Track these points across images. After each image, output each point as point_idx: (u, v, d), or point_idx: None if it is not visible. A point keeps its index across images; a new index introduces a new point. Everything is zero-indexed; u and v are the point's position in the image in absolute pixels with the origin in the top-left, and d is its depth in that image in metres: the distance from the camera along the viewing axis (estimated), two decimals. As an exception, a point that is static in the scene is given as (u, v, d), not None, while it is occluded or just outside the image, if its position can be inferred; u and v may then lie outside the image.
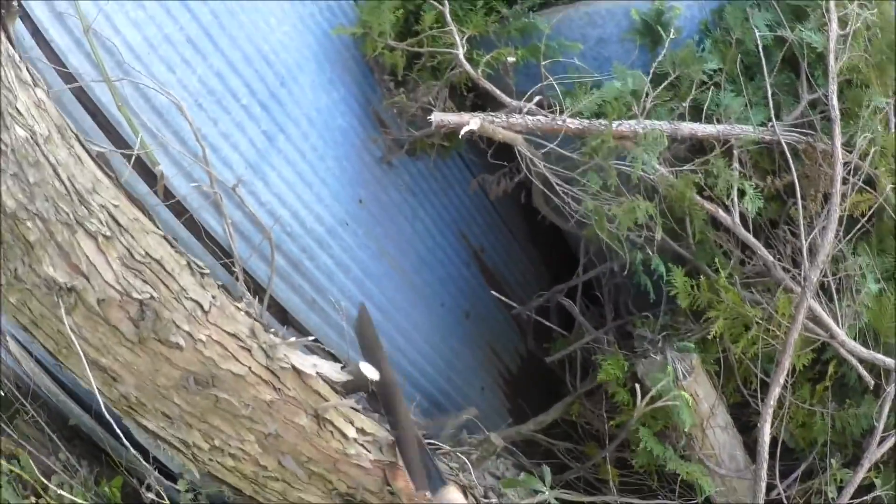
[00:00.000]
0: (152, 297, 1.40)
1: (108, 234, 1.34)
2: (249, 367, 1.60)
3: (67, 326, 1.32)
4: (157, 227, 1.52)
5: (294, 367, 1.69)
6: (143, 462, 3.35)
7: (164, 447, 1.72)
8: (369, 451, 1.84)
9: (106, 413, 1.58)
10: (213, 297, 1.55)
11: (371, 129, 2.74)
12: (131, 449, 2.81)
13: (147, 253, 1.41)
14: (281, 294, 2.32)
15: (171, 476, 3.03)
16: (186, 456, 1.68)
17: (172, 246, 1.51)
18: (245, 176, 2.25)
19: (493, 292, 2.90)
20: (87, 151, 1.38)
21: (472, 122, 2.26)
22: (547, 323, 2.92)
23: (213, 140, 2.22)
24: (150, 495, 2.94)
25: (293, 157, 2.46)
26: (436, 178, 3.06)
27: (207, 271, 1.60)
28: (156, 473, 3.03)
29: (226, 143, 2.28)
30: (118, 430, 2.87)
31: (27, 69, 1.32)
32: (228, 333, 1.56)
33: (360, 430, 1.83)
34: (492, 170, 2.72)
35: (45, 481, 3.63)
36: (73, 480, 3.45)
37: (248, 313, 1.65)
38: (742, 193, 2.38)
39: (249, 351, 1.60)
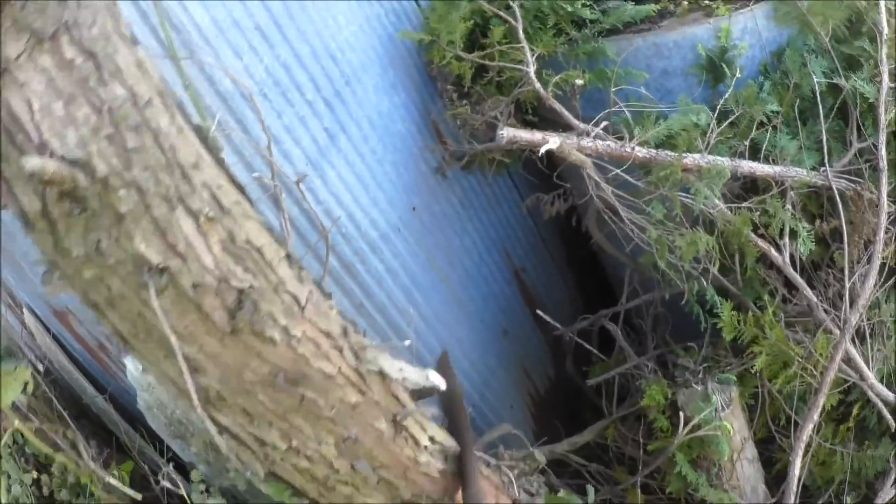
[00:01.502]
0: (252, 287, 1.26)
1: (212, 214, 1.19)
2: (339, 368, 1.47)
3: (158, 310, 1.16)
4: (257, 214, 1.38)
5: (381, 371, 1.56)
6: (153, 451, 3.26)
7: (230, 443, 1.56)
8: (437, 461, 1.75)
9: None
10: (310, 291, 1.42)
11: (428, 138, 2.65)
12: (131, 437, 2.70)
13: (248, 239, 1.27)
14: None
15: (180, 467, 2.93)
16: (256, 454, 1.55)
17: (272, 235, 1.36)
18: (306, 171, 2.14)
19: (539, 312, 2.80)
20: (190, 123, 1.22)
21: (552, 141, 2.18)
22: (587, 346, 2.82)
23: (276, 132, 2.12)
24: (165, 483, 2.82)
25: (353, 159, 2.36)
26: (486, 194, 2.98)
27: (304, 266, 1.46)
28: (168, 466, 2.93)
29: (288, 137, 2.19)
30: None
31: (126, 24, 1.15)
32: (322, 331, 1.43)
33: (432, 439, 1.73)
34: (542, 191, 2.65)
35: (50, 454, 3.51)
36: (80, 460, 3.33)
37: (339, 312, 1.52)
38: (794, 234, 2.33)
39: (340, 351, 1.48)
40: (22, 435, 3.45)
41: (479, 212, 2.95)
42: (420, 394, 1.73)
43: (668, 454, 2.38)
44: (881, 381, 2.47)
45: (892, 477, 2.58)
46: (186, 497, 2.80)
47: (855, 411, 2.60)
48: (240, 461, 1.62)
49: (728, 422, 2.35)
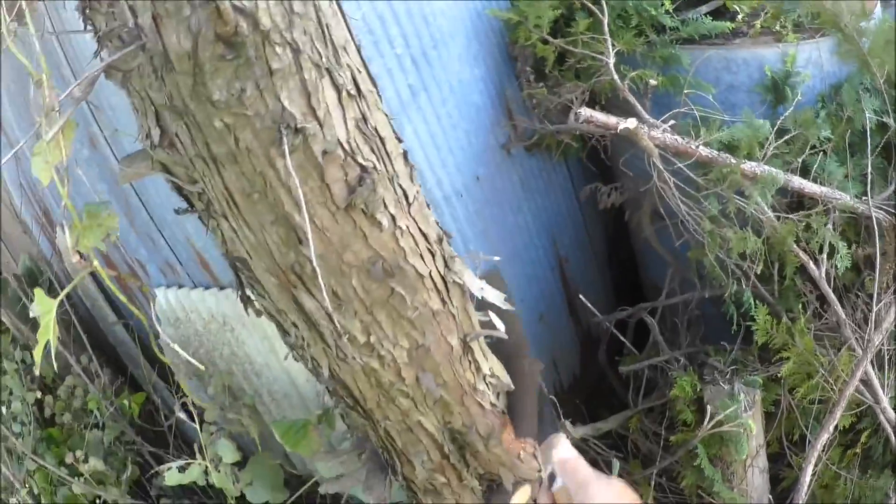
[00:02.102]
0: (374, 168, 1.28)
1: (352, 92, 1.21)
2: (430, 271, 1.48)
3: (289, 166, 1.16)
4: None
5: (464, 285, 1.58)
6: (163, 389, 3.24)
7: (304, 334, 1.55)
8: (492, 393, 1.74)
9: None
10: (417, 191, 1.45)
11: (500, 113, 2.71)
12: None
13: (376, 126, 1.29)
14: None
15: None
16: (329, 348, 1.54)
17: (394, 130, 1.39)
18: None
19: (581, 297, 2.83)
20: (342, 11, 1.25)
21: (630, 121, 2.25)
22: (622, 338, 2.86)
23: (364, 79, 2.16)
24: (180, 414, 2.80)
25: (430, 118, 2.42)
26: (543, 179, 3.03)
27: (415, 166, 1.49)
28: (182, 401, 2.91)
29: (375, 85, 2.23)
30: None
31: None
32: (422, 231, 1.45)
33: (491, 370, 1.74)
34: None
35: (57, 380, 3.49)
36: (90, 385, 3.31)
37: (436, 222, 1.55)
38: (832, 252, 2.38)
39: (433, 255, 1.50)
40: (31, 354, 3.44)
41: (535, 194, 3.00)
42: (484, 325, 1.74)
43: (690, 446, 2.40)
44: (895, 409, 2.50)
45: None
46: (199, 435, 2.77)
47: (863, 439, 2.62)
48: (307, 356, 1.63)
49: (753, 425, 2.38)
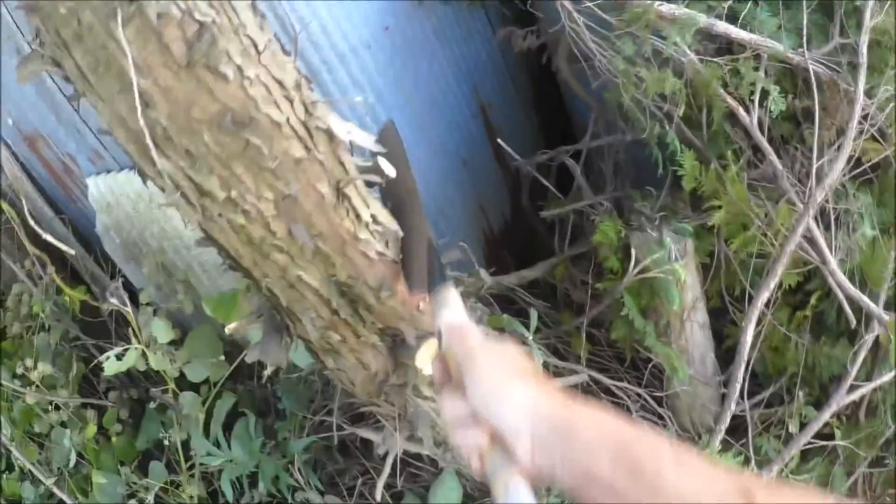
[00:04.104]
0: (213, 22, 1.29)
1: None
2: (287, 118, 1.49)
3: (122, 38, 1.21)
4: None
5: (329, 130, 1.59)
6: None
7: (174, 193, 1.59)
8: (378, 243, 1.76)
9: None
10: (269, 40, 1.46)
11: (409, -40, 2.69)
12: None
13: None
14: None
15: (132, 296, 2.97)
16: (194, 208, 1.57)
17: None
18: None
19: (499, 141, 2.85)
20: None
21: (527, -43, 2.22)
22: (545, 182, 2.87)
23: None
24: (113, 301, 2.87)
25: (331, -31, 2.40)
26: (460, 27, 3.03)
27: (266, 15, 1.50)
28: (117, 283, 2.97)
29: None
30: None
31: None
32: (275, 79, 1.45)
33: (374, 217, 1.75)
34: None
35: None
36: (34, 289, 3.38)
37: (295, 67, 1.56)
38: (766, 95, 2.36)
39: (291, 102, 1.50)
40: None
41: (452, 43, 3.00)
42: (365, 171, 1.76)
43: (615, 294, 2.43)
44: (847, 275, 2.53)
45: (848, 382, 2.61)
46: (132, 318, 2.84)
47: (813, 301, 2.64)
48: (183, 214, 1.67)
49: (682, 273, 2.41)
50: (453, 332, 1.25)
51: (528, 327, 2.33)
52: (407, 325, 1.91)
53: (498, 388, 1.07)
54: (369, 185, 1.77)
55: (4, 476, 3.50)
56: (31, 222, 2.70)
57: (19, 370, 3.26)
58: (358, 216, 1.71)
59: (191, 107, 1.37)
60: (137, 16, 1.21)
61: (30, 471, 3.33)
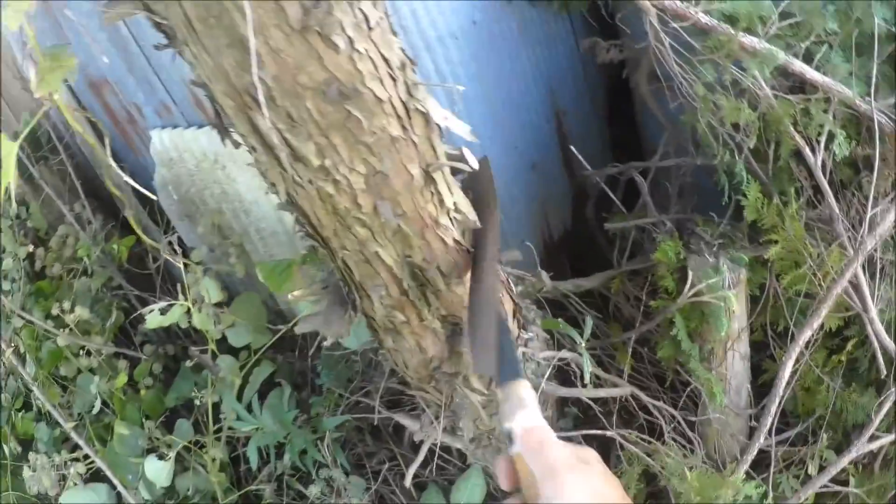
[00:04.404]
0: None
1: None
2: (390, 96, 1.54)
3: None
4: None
5: (427, 113, 1.64)
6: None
7: (261, 157, 1.64)
8: (455, 230, 1.81)
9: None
10: (381, 17, 1.50)
11: (502, -41, 2.77)
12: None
13: None
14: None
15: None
16: (284, 171, 1.61)
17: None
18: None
19: (571, 148, 2.90)
20: None
21: (624, -28, 2.28)
22: (611, 195, 2.93)
23: None
24: (166, 255, 2.91)
25: (426, -45, 2.47)
26: (544, 31, 3.10)
27: (383, -6, 1.54)
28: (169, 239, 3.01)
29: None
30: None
31: None
32: (383, 56, 1.50)
33: (455, 205, 1.80)
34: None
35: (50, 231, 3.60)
36: (82, 232, 3.41)
37: (401, 48, 1.61)
38: (832, 138, 2.41)
39: (395, 81, 1.54)
40: (27, 209, 3.55)
41: (535, 44, 3.07)
42: (453, 158, 1.81)
43: (668, 313, 2.48)
44: (883, 325, 2.56)
45: (870, 431, 2.63)
46: (183, 273, 2.88)
47: (849, 347, 2.69)
48: (266, 178, 1.72)
49: (734, 301, 2.45)
50: (531, 438, 1.20)
51: (581, 335, 2.37)
52: (469, 316, 1.95)
53: None
54: (454, 173, 1.81)
55: (21, 415, 3.53)
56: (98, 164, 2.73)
57: (55, 311, 3.29)
58: (441, 202, 1.76)
59: (299, 71, 1.41)
60: (257, -30, 1.23)
61: (47, 412, 3.36)
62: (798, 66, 2.42)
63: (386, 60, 1.53)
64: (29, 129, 2.14)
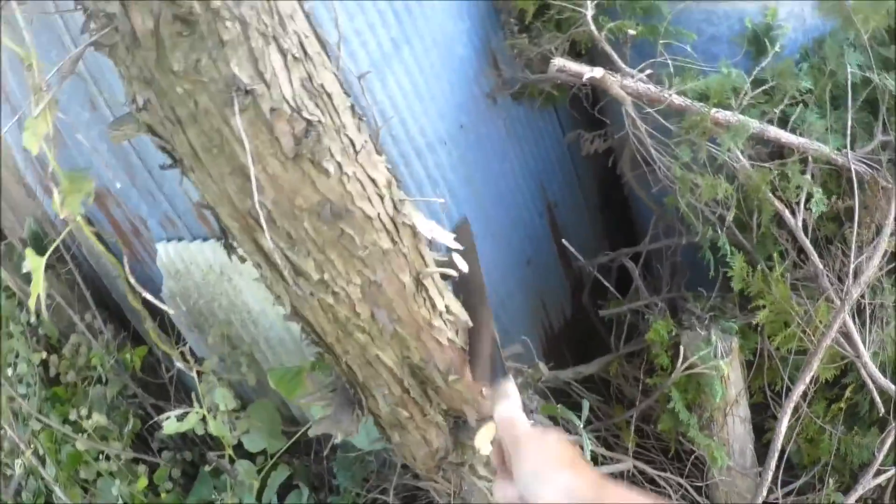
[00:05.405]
0: (319, 122, 1.48)
1: (298, 55, 1.41)
2: (378, 213, 1.69)
3: (238, 125, 1.38)
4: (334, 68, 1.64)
5: (413, 226, 1.79)
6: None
7: (267, 273, 1.79)
8: (449, 330, 1.95)
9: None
10: (366, 141, 1.65)
11: (485, 64, 2.91)
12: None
13: (323, 84, 1.48)
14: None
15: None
16: (288, 286, 1.75)
17: (342, 87, 1.62)
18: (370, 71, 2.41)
19: (564, 242, 3.05)
20: None
21: (596, 70, 2.45)
22: (605, 282, 3.06)
23: (347, 33, 2.40)
24: (179, 364, 3.03)
25: (412, 69, 2.61)
26: (530, 127, 3.22)
27: (364, 118, 1.71)
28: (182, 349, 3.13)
29: (356, 39, 2.46)
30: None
31: None
32: (370, 177, 1.65)
33: (447, 307, 1.94)
34: (585, 131, 2.91)
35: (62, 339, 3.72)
36: (94, 341, 3.52)
37: (386, 167, 1.77)
38: (809, 198, 2.54)
39: (382, 199, 1.69)
40: (38, 315, 3.67)
41: (522, 141, 3.19)
42: (441, 265, 1.96)
43: (664, 388, 2.61)
44: (879, 368, 2.66)
45: (875, 467, 2.74)
46: (197, 383, 2.99)
47: (848, 393, 2.79)
48: (273, 295, 1.88)
49: (726, 369, 2.58)
50: (504, 421, 1.44)
51: (580, 418, 2.50)
52: (470, 408, 2.09)
53: (539, 473, 1.23)
54: (444, 277, 1.97)
55: (42, 518, 3.59)
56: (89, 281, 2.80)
57: (72, 417, 3.38)
58: (433, 306, 1.91)
59: (295, 195, 1.57)
60: (252, 107, 1.39)
61: (70, 514, 3.44)
62: (773, 132, 2.56)
63: (373, 181, 1.69)
64: (56, 244, 2.29)
